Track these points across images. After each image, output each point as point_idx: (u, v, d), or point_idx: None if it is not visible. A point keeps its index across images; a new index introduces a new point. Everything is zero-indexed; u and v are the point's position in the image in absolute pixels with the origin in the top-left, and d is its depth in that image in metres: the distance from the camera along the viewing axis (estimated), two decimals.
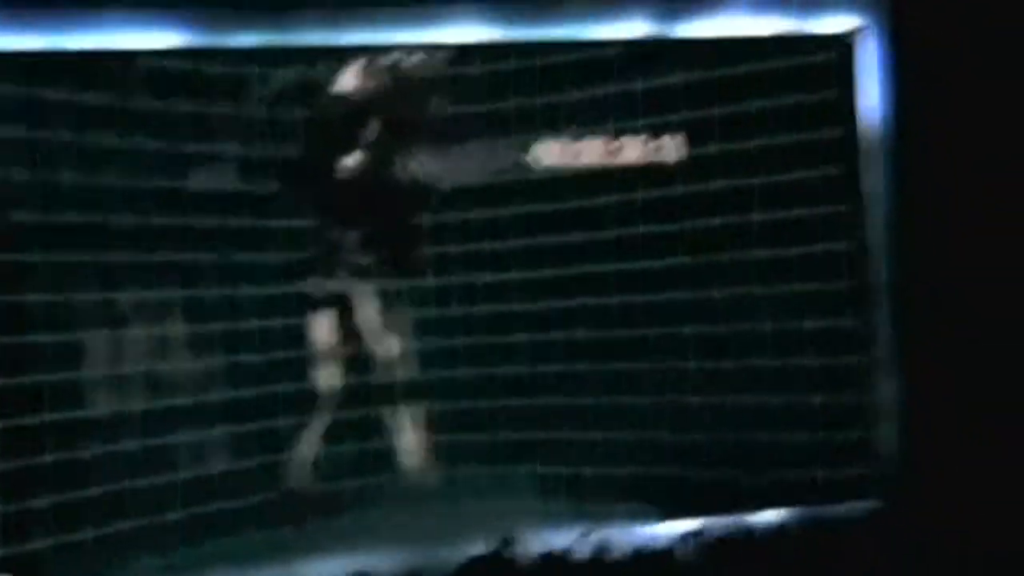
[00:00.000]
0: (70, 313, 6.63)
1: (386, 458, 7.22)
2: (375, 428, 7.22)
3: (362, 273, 7.19)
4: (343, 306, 7.19)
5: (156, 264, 6.83)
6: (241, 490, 6.96)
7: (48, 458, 6.49)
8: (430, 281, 7.29)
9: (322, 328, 7.15)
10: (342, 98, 7.12)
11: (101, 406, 6.75)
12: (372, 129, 7.12)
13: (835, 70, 7.29)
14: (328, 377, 7.16)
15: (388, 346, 7.20)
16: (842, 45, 7.28)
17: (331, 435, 7.14)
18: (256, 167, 7.03)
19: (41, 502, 6.43)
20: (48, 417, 6.51)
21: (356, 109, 7.12)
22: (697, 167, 7.29)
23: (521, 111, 7.26)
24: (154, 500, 6.76)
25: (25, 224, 6.50)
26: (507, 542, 6.28)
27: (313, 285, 7.13)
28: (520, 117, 7.25)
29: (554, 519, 6.91)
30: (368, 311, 7.21)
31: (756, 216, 7.27)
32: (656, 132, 7.29)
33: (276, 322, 7.07)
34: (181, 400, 6.94)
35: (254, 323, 7.03)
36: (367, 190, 7.14)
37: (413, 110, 7.17)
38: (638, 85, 7.28)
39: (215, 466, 6.97)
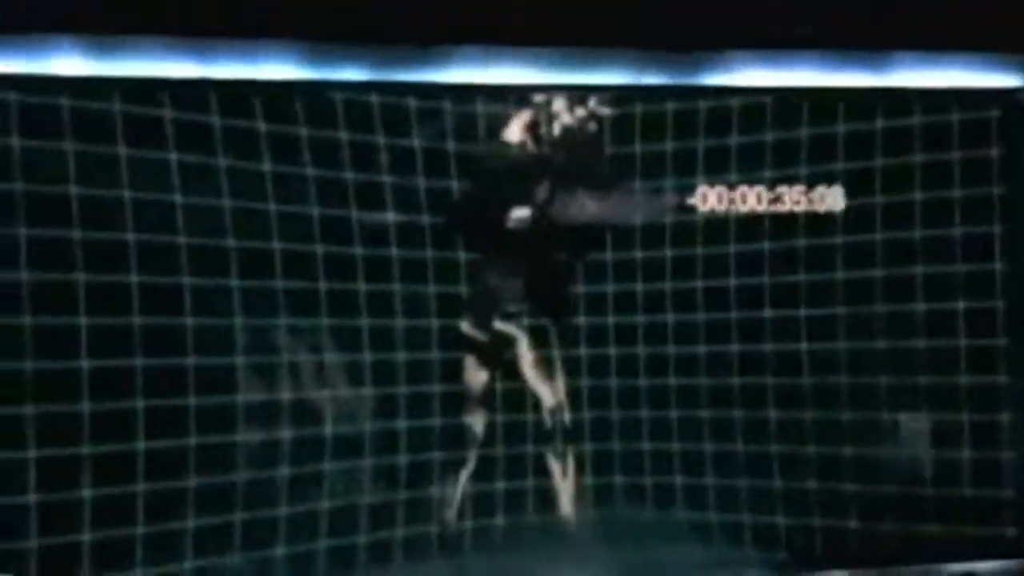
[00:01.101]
0: (223, 338, 6.70)
1: (541, 499, 7.15)
2: (529, 469, 7.16)
3: (516, 318, 7.16)
4: (502, 348, 7.16)
5: (312, 292, 6.87)
6: (389, 523, 6.94)
7: (193, 482, 6.60)
8: (584, 321, 7.25)
9: (478, 368, 7.13)
10: (510, 148, 7.13)
11: (251, 432, 6.78)
12: (540, 182, 7.12)
13: (1001, 126, 7.26)
14: (481, 417, 7.12)
15: (548, 390, 7.17)
16: (1009, 100, 7.25)
17: (483, 474, 7.09)
18: (420, 203, 7.03)
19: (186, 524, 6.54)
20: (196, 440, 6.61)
21: (525, 161, 7.13)
22: (857, 217, 7.26)
23: (681, 155, 7.23)
24: (300, 529, 6.80)
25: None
26: None
27: (470, 325, 7.11)
28: (680, 161, 7.22)
29: (705, 567, 6.89)
30: (529, 354, 7.18)
31: (916, 270, 7.24)
32: (817, 181, 7.26)
33: (433, 357, 7.06)
34: (330, 430, 6.94)
35: (408, 356, 7.02)
36: (530, 238, 7.12)
37: (580, 161, 7.17)
38: (801, 133, 7.26)
39: (363, 498, 6.95)
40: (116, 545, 6.43)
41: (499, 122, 7.10)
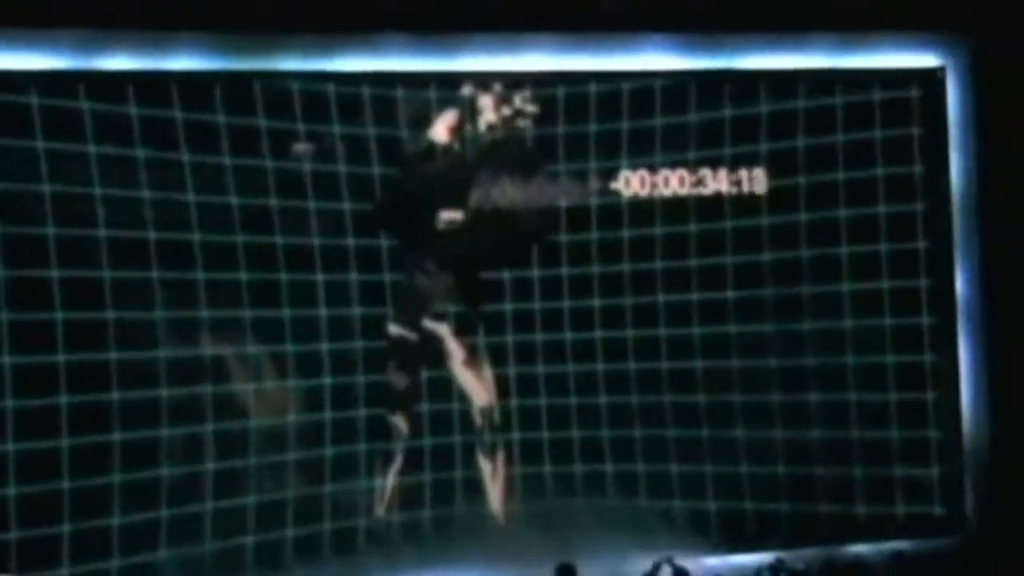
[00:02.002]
0: (154, 329, 6.60)
1: (467, 489, 7.10)
2: (457, 460, 7.11)
3: (443, 318, 7.11)
4: (428, 349, 7.11)
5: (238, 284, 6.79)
6: (320, 516, 6.87)
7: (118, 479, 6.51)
8: (512, 307, 7.20)
9: (405, 366, 7.08)
10: (436, 148, 7.09)
11: (176, 427, 6.69)
12: (467, 182, 7.09)
13: (922, 105, 7.31)
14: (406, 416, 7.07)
15: (479, 388, 7.13)
16: (929, 80, 7.29)
17: (412, 466, 7.04)
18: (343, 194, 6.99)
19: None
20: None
21: (451, 162, 7.09)
22: (781, 199, 7.27)
23: (605, 138, 7.20)
24: (229, 524, 6.71)
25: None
26: (569, 570, 6.26)
27: (397, 327, 7.05)
28: (604, 144, 7.19)
29: (628, 550, 6.85)
30: (456, 352, 7.13)
31: (840, 249, 7.25)
32: (740, 163, 7.26)
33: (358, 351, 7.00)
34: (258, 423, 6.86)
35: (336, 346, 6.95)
36: (460, 239, 7.08)
37: (507, 159, 7.13)
38: (724, 115, 7.26)
39: (291, 492, 6.86)
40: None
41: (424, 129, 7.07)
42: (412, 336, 7.06)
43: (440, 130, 7.10)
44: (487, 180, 7.11)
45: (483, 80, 7.10)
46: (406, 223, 7.02)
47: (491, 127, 7.13)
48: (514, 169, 7.14)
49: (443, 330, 7.11)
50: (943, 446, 7.33)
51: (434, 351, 7.10)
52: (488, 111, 7.12)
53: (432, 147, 7.09)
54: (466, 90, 7.09)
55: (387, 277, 7.02)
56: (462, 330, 7.13)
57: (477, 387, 7.12)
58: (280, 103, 6.85)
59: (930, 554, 7.06)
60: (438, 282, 7.09)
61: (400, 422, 7.04)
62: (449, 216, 7.07)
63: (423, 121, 7.08)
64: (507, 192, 7.12)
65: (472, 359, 7.13)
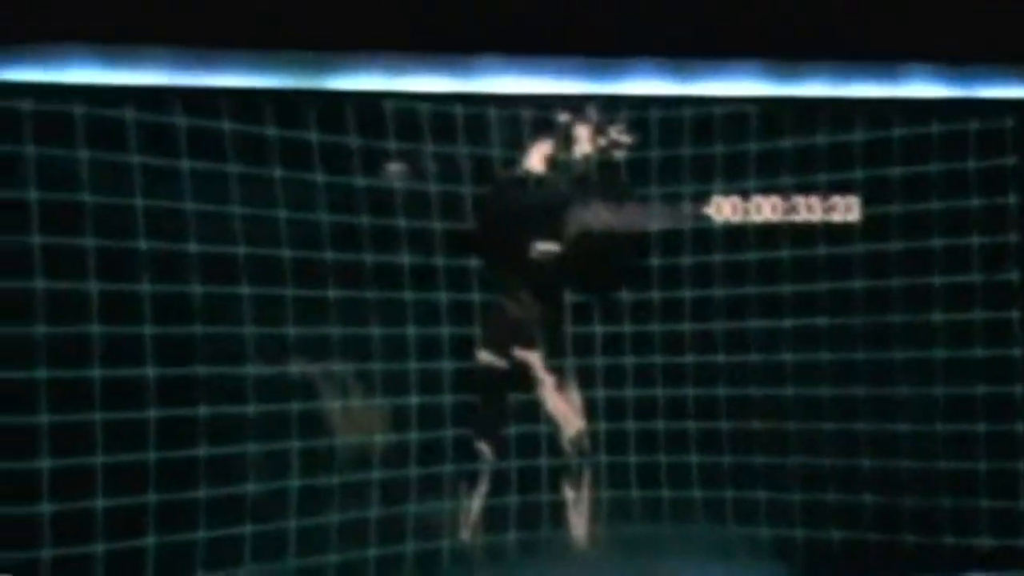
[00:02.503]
0: (242, 344, 6.59)
1: (554, 513, 7.06)
2: (543, 484, 7.08)
3: (533, 345, 7.09)
4: (517, 376, 7.08)
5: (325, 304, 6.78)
6: (401, 538, 6.84)
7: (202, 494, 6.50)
8: (602, 330, 7.17)
9: (492, 393, 7.05)
10: (530, 176, 7.07)
11: (261, 444, 6.68)
12: (561, 208, 7.07)
13: (1016, 135, 7.30)
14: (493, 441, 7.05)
15: (567, 413, 7.10)
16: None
17: (499, 489, 7.00)
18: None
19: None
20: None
21: (544, 189, 7.08)
22: (874, 227, 7.26)
23: (696, 164, 7.19)
24: (310, 542, 6.69)
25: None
26: None
27: (487, 354, 7.03)
28: (697, 169, 7.18)
29: None
30: (546, 380, 7.11)
31: (933, 280, 7.23)
32: (833, 191, 7.24)
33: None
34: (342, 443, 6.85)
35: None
36: (551, 266, 7.06)
37: (599, 183, 7.11)
38: (818, 142, 7.24)
39: (373, 511, 6.85)
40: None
41: (519, 156, 7.04)
42: (502, 363, 7.04)
43: (534, 159, 7.10)
44: (580, 207, 7.10)
45: (577, 104, 7.08)
46: (498, 249, 7.00)
47: (586, 157, 7.12)
48: (607, 196, 7.13)
49: (533, 358, 7.10)
50: None
51: (524, 378, 7.05)
52: (583, 141, 7.11)
53: (526, 175, 7.08)
54: (562, 117, 7.06)
55: (476, 297, 7.00)
56: (552, 356, 7.09)
57: (567, 414, 7.10)
58: (373, 121, 6.84)
59: None
60: (529, 309, 7.07)
61: (486, 447, 7.03)
62: (542, 245, 7.06)
63: (516, 144, 7.05)
64: (600, 218, 7.10)
65: (561, 386, 7.11)
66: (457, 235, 6.95)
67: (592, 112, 7.11)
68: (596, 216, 7.09)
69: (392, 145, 6.91)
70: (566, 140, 7.12)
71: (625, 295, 7.15)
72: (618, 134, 7.14)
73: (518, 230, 7.07)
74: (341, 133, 6.83)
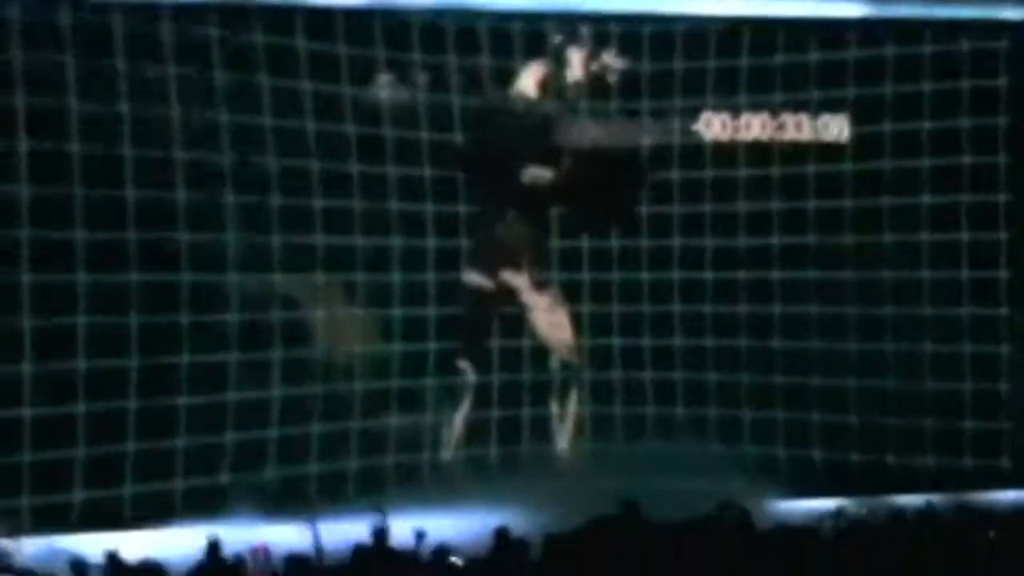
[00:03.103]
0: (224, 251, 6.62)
1: (539, 429, 7.17)
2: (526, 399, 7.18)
3: (520, 267, 7.15)
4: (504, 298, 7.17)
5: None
6: (389, 450, 6.94)
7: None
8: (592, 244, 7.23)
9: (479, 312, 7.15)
10: (522, 102, 7.11)
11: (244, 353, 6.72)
12: (553, 137, 7.11)
13: (1009, 57, 7.22)
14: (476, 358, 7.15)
15: (554, 333, 7.18)
16: (1018, 32, 7.18)
17: (482, 404, 7.11)
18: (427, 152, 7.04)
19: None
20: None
21: (538, 119, 7.12)
22: (864, 147, 7.22)
23: (690, 80, 7.18)
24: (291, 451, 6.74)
25: None
26: (632, 507, 6.25)
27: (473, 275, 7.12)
28: (689, 86, 7.18)
29: (695, 492, 6.84)
30: (535, 302, 7.18)
31: (922, 199, 7.17)
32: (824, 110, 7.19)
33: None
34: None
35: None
36: (543, 192, 7.13)
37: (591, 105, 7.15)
38: (810, 59, 7.19)
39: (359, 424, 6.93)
40: None
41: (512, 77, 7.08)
42: (489, 284, 7.14)
43: (528, 83, 7.15)
44: (572, 132, 7.14)
45: (570, 20, 7.10)
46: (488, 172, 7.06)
47: (577, 84, 7.15)
48: (598, 118, 7.17)
49: (520, 280, 7.18)
50: (1014, 399, 7.27)
51: (510, 297, 7.16)
52: (576, 66, 7.14)
53: (519, 98, 7.13)
54: (555, 40, 7.08)
55: (462, 209, 7.07)
56: (539, 276, 7.17)
57: (554, 334, 7.17)
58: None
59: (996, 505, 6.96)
60: (517, 230, 7.15)
61: (469, 364, 7.12)
62: (534, 171, 7.13)
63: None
64: (592, 138, 7.14)
65: (548, 304, 7.18)
66: (447, 150, 7.04)
67: (585, 34, 7.14)
68: (588, 138, 7.13)
69: (382, 55, 6.94)
70: (558, 63, 7.16)
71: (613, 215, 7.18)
72: (610, 59, 7.16)
73: (509, 155, 7.16)
74: (330, 43, 6.88)
